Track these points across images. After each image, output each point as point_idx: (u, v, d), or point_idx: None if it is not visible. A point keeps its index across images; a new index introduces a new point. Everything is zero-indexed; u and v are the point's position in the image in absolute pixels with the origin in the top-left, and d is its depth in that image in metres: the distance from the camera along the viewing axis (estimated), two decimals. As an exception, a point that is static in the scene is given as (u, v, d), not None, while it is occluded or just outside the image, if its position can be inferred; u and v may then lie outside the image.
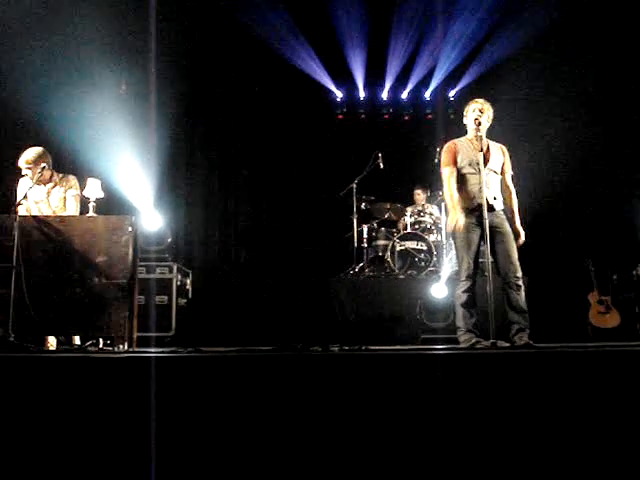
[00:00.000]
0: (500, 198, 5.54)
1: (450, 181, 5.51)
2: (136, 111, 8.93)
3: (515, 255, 5.38)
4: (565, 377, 3.68)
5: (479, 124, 5.47)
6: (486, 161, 5.38)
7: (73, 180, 6.10)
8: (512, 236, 5.43)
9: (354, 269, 8.68)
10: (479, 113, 5.50)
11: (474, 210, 5.39)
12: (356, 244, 8.93)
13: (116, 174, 8.20)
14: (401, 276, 8.32)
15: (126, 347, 5.09)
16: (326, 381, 3.65)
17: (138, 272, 5.75)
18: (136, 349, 5.30)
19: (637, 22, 8.93)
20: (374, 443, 3.52)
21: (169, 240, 8.45)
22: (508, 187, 5.63)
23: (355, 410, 3.57)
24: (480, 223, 5.31)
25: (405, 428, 3.54)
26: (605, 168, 9.89)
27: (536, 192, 9.21)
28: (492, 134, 5.61)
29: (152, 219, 8.46)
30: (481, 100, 5.58)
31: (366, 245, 8.85)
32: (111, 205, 7.59)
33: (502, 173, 5.60)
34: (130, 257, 5.25)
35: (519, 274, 5.35)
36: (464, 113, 5.64)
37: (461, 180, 5.52)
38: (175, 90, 9.77)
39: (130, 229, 5.27)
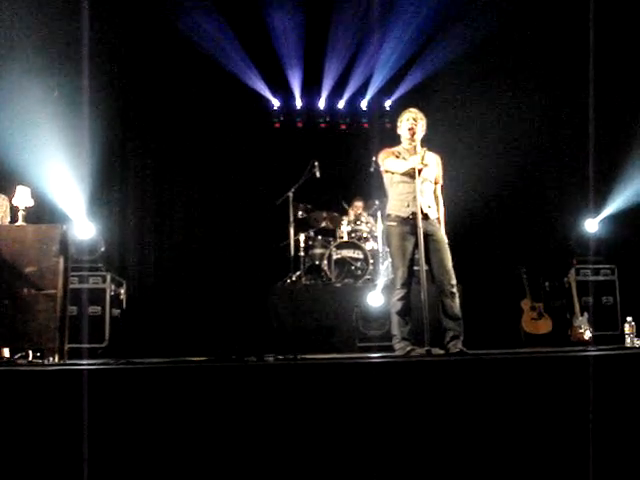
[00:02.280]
0: (434, 207, 5.59)
1: (392, 162, 5.55)
2: (69, 117, 8.72)
3: (449, 263, 5.44)
4: (499, 383, 3.73)
5: (413, 133, 5.52)
6: (420, 169, 5.42)
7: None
8: (446, 244, 5.49)
9: (291, 278, 8.65)
10: (413, 122, 5.54)
11: (408, 218, 5.43)
12: (293, 253, 8.87)
13: (47, 182, 8.00)
14: (338, 284, 8.33)
15: (57, 359, 4.98)
16: (261, 391, 3.62)
17: (70, 282, 5.63)
18: (67, 361, 5.18)
19: (573, 37, 9.13)
20: (310, 453, 3.50)
21: (102, 249, 8.29)
22: (437, 197, 5.71)
23: (291, 420, 3.55)
24: (414, 231, 5.36)
25: (341, 437, 3.53)
26: (538, 177, 10.11)
27: (470, 201, 9.37)
28: (427, 144, 5.63)
29: (85, 228, 8.28)
30: (414, 109, 5.63)
31: (303, 254, 8.82)
32: (41, 214, 7.41)
33: (435, 182, 5.66)
34: (61, 267, 5.14)
35: (453, 282, 5.41)
36: (397, 123, 5.68)
37: (396, 188, 5.56)
38: (109, 96, 9.60)
39: (61, 238, 5.16)
